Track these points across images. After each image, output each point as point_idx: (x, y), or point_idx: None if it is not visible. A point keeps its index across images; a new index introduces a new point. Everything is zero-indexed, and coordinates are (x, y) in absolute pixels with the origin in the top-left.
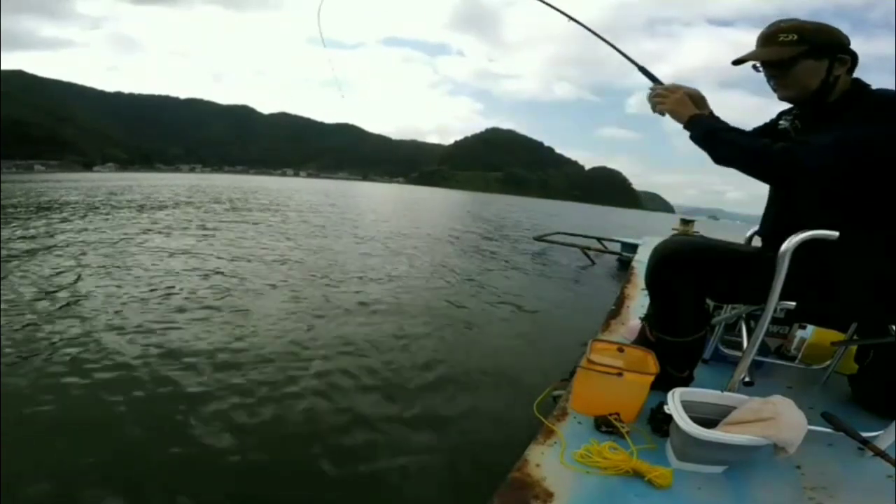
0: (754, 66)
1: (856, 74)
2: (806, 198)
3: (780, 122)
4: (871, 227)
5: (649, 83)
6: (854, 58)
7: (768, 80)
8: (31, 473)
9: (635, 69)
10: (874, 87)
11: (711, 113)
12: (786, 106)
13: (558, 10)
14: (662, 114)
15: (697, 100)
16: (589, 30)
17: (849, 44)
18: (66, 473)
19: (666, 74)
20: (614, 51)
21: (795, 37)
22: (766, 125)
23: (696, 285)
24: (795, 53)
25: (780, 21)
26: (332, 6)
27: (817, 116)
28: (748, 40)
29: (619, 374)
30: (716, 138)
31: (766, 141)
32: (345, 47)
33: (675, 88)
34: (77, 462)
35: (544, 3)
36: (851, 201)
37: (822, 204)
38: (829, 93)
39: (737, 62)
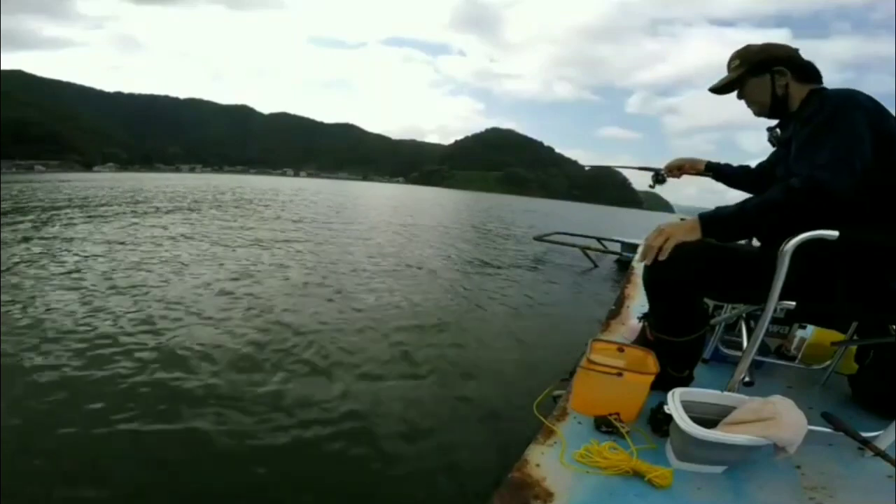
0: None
1: (856, 74)
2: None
3: (770, 135)
4: (871, 227)
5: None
6: (799, 67)
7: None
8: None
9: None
10: (874, 86)
11: (708, 164)
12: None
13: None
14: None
15: (690, 163)
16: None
17: (787, 55)
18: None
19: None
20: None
21: (738, 62)
22: (770, 157)
23: (695, 285)
24: (739, 75)
25: (734, 51)
26: (337, 6)
27: (787, 124)
28: (749, 40)
29: (619, 374)
30: (739, 221)
31: (774, 189)
32: (347, 47)
33: (667, 167)
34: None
35: None
36: (852, 201)
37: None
38: (786, 102)
39: (713, 91)
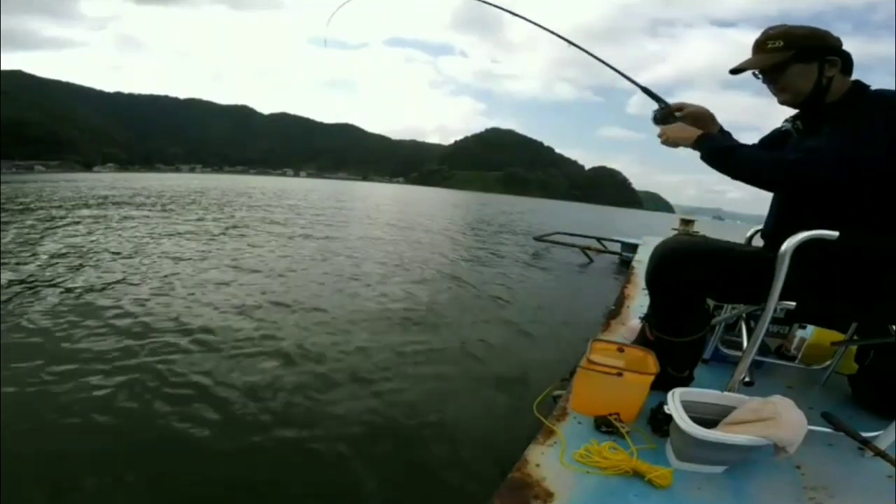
0: (754, 74)
1: (857, 75)
2: (809, 199)
3: (786, 125)
4: (871, 228)
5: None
6: (846, 59)
7: (768, 86)
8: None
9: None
10: (877, 85)
11: (721, 129)
12: (788, 109)
13: (558, 35)
14: (676, 146)
15: (704, 118)
16: (590, 54)
17: (839, 45)
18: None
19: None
20: (618, 74)
21: (782, 43)
22: (774, 131)
23: (696, 285)
24: (783, 59)
25: (770, 28)
26: (342, 9)
27: (818, 117)
28: (750, 41)
29: (619, 374)
30: (723, 154)
31: (776, 154)
32: (349, 47)
33: (679, 106)
34: None
35: (545, 29)
36: (853, 202)
37: (824, 204)
38: (825, 94)
39: (733, 71)
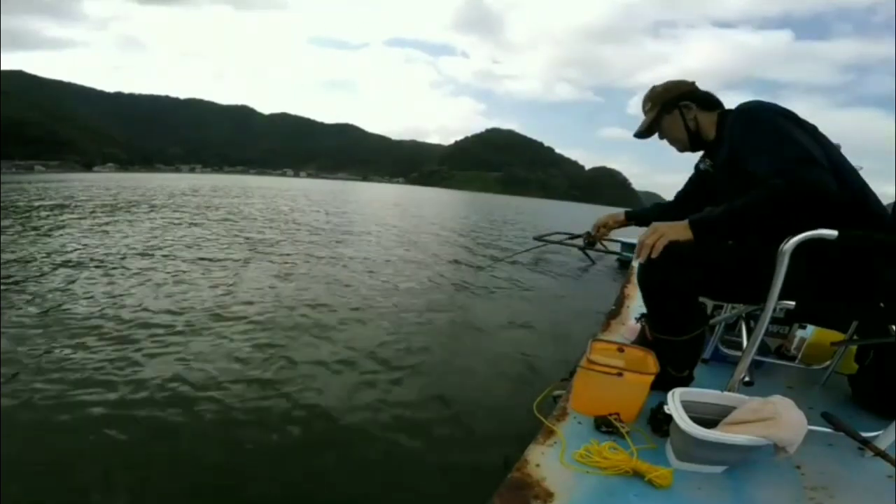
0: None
1: (857, 75)
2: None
3: (701, 165)
4: (871, 227)
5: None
6: (702, 97)
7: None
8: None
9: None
10: (875, 87)
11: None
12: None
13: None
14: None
15: (614, 217)
16: None
17: (691, 89)
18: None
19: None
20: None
21: (650, 104)
22: (691, 179)
23: (689, 285)
24: (655, 117)
25: (644, 95)
26: (340, 7)
27: (711, 153)
28: (751, 42)
29: (619, 374)
30: (718, 219)
31: (758, 190)
32: (349, 47)
33: (596, 228)
34: None
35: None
36: (851, 202)
37: (823, 204)
38: (700, 133)
39: (637, 136)
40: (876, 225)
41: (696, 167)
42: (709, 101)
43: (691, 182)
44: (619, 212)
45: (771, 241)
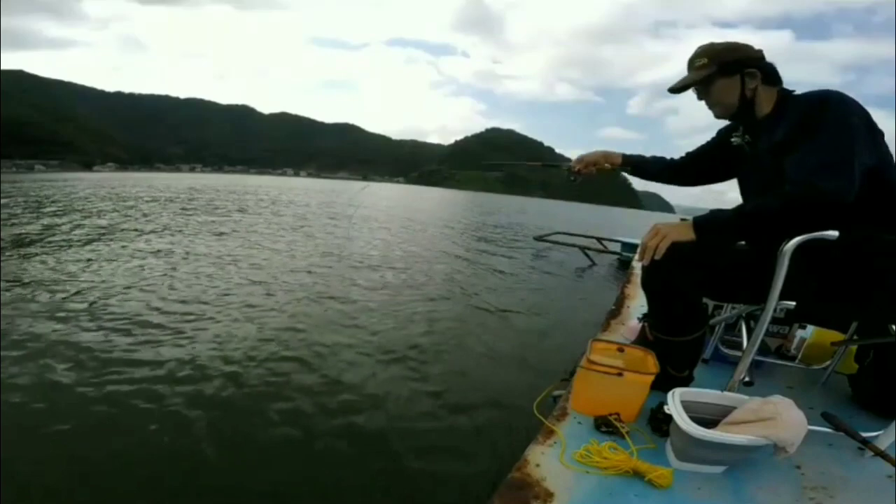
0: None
1: (857, 75)
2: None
3: (732, 138)
4: (871, 227)
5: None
6: (768, 70)
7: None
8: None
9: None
10: (875, 87)
11: (624, 155)
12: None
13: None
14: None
15: (604, 157)
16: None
17: (759, 57)
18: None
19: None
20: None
21: (706, 60)
22: (709, 144)
23: (692, 286)
24: (707, 75)
25: (699, 47)
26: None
27: (756, 130)
28: (751, 42)
29: (619, 374)
30: (734, 226)
31: (768, 198)
32: (350, 48)
33: (578, 161)
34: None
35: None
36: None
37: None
38: (752, 106)
39: (672, 90)
40: None
41: (721, 136)
42: (774, 76)
43: (710, 148)
44: (615, 153)
45: (772, 241)
